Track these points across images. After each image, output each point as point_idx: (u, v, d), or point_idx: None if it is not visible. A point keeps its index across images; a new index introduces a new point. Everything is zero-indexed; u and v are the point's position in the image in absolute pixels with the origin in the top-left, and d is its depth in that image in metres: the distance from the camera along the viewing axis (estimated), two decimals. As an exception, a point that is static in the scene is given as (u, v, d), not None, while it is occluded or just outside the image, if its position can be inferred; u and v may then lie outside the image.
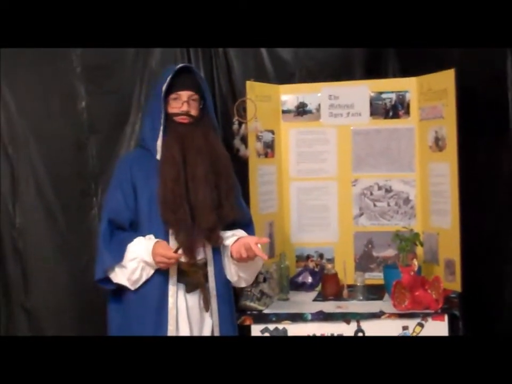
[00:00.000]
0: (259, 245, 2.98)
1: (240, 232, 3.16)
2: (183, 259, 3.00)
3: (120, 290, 3.06)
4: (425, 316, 3.36)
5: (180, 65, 3.18)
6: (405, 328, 3.36)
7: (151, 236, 3.02)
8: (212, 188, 3.04)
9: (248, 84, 3.78)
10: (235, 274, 3.13)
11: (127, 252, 2.97)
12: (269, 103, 3.95)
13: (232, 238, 3.11)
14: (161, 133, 3.06)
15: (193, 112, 3.11)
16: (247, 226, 3.25)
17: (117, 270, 2.99)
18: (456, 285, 3.57)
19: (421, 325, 3.35)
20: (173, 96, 3.08)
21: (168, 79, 3.06)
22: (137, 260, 2.96)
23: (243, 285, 3.27)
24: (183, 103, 3.08)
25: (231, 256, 3.06)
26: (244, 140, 3.74)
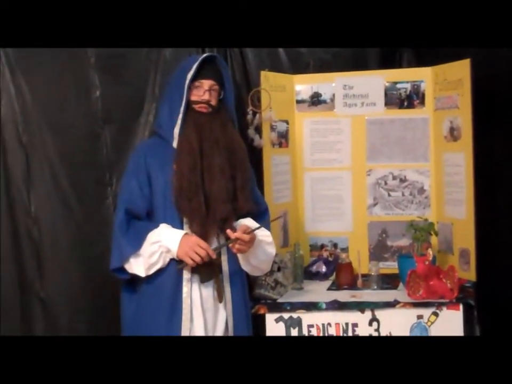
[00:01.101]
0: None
1: (248, 221, 3.15)
2: None
3: (134, 280, 3.06)
4: (440, 305, 3.34)
5: (206, 54, 3.17)
6: (419, 317, 3.34)
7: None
8: (227, 179, 3.03)
9: (263, 74, 3.79)
10: (246, 263, 3.12)
11: (151, 235, 2.96)
12: (283, 93, 3.95)
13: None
14: (179, 120, 3.06)
15: (213, 102, 3.11)
16: (262, 216, 3.24)
17: (132, 259, 2.98)
18: (471, 274, 3.57)
19: (436, 314, 3.34)
20: (195, 84, 3.08)
21: (195, 67, 3.05)
22: (159, 244, 2.95)
23: (258, 274, 3.28)
24: (204, 92, 3.08)
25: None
26: (258, 130, 3.75)
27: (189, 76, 3.05)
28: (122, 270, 3.03)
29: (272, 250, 3.19)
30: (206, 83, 3.09)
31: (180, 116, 3.06)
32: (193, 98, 3.09)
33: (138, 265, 2.98)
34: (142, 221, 3.05)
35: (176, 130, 3.07)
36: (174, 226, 3.02)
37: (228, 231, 2.96)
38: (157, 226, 3.01)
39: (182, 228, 3.02)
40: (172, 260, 2.99)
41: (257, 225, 3.08)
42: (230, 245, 2.98)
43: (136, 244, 2.97)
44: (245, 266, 3.14)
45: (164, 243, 2.96)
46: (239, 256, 3.09)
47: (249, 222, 3.11)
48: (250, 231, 2.98)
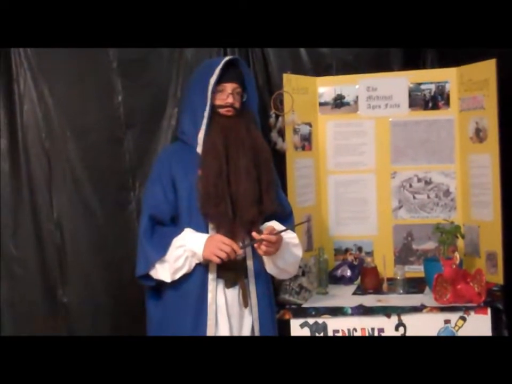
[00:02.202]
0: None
1: (274, 223, 3.12)
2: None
3: (159, 286, 3.05)
4: (467, 310, 3.31)
5: (228, 57, 3.15)
6: (446, 321, 3.31)
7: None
8: (253, 181, 3.01)
9: (285, 76, 3.77)
10: (273, 266, 3.09)
11: (176, 239, 2.95)
12: (306, 95, 3.92)
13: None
14: (204, 125, 3.03)
15: (237, 104, 3.08)
16: (287, 219, 3.22)
17: (158, 265, 2.97)
18: (498, 278, 3.53)
19: (463, 319, 3.30)
20: (218, 88, 3.05)
21: (217, 71, 3.02)
22: (184, 248, 2.94)
23: (285, 277, 3.26)
24: (228, 95, 3.06)
25: None
26: (281, 133, 3.74)
27: (212, 80, 3.03)
28: (148, 277, 3.02)
29: (299, 252, 3.17)
30: (229, 86, 3.07)
31: (205, 121, 3.04)
32: (217, 102, 3.07)
33: (164, 271, 2.97)
34: (166, 227, 3.04)
35: (201, 136, 3.04)
36: (199, 231, 3.00)
37: (254, 233, 2.93)
38: (181, 231, 2.99)
39: (207, 233, 3.00)
40: (197, 265, 2.97)
41: (283, 227, 3.06)
42: (257, 246, 2.95)
43: (162, 249, 2.96)
44: (271, 270, 3.12)
45: (188, 247, 2.94)
46: (265, 259, 3.07)
47: (275, 225, 3.09)
48: (277, 232, 2.97)
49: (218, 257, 2.90)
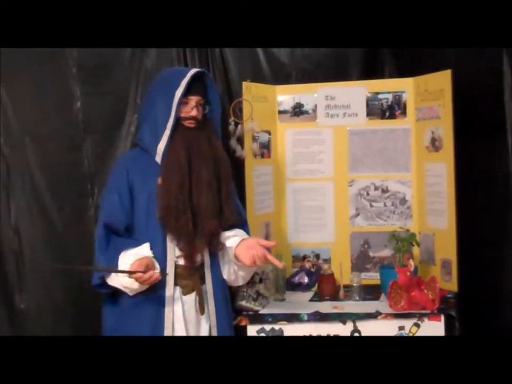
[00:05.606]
0: None
1: (240, 232, 3.15)
2: (181, 262, 3.01)
3: (116, 292, 3.03)
4: (421, 316, 3.34)
5: (195, 70, 3.11)
6: (401, 328, 3.34)
7: (147, 245, 2.99)
8: (214, 193, 3.03)
9: (245, 84, 3.78)
10: (233, 273, 3.12)
11: (130, 252, 2.92)
12: (265, 103, 3.94)
13: (233, 238, 3.12)
14: (166, 137, 3.01)
15: (199, 116, 3.08)
16: (243, 226, 3.24)
17: (113, 275, 2.94)
18: (452, 285, 3.58)
19: (417, 325, 3.34)
20: (183, 100, 3.03)
21: (184, 83, 3.00)
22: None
23: (241, 283, 3.25)
24: (192, 108, 3.05)
25: (236, 259, 3.06)
26: (240, 141, 3.73)
27: (178, 93, 3.00)
28: (104, 285, 3.00)
29: None
30: (194, 99, 3.06)
31: (167, 133, 3.01)
32: (181, 114, 3.05)
33: (119, 282, 2.95)
34: (121, 237, 3.02)
35: (161, 146, 3.02)
36: (156, 241, 2.99)
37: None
38: (137, 242, 2.98)
39: (164, 243, 3.00)
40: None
41: (247, 235, 3.14)
42: (236, 250, 3.04)
43: (115, 262, 2.92)
44: (228, 276, 3.15)
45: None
46: (226, 266, 3.12)
47: (239, 233, 3.14)
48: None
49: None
